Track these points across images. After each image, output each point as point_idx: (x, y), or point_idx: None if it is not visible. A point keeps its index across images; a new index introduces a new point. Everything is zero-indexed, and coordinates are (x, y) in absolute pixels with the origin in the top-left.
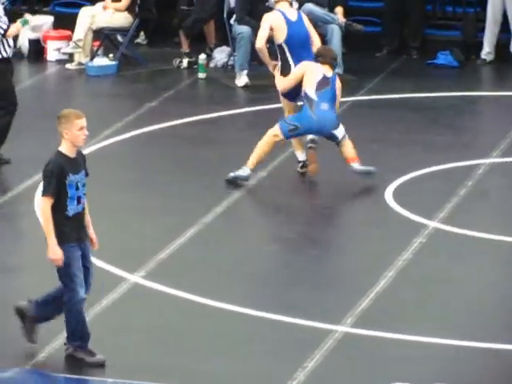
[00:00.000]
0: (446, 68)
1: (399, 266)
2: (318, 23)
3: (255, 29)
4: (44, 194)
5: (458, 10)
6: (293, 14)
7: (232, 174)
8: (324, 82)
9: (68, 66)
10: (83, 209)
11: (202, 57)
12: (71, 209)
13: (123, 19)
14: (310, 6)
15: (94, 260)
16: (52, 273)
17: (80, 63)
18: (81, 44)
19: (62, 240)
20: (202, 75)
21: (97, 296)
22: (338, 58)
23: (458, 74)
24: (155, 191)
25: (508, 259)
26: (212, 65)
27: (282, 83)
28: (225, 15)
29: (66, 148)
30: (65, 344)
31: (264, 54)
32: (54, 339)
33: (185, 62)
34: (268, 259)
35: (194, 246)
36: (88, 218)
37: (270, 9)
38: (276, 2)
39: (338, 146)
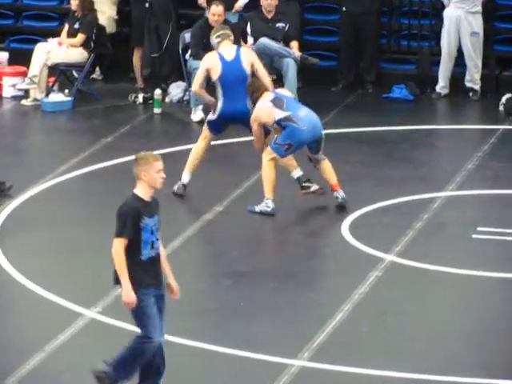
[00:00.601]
0: (402, 102)
1: (356, 299)
2: (273, 57)
3: None
4: (117, 235)
5: (413, 44)
6: (230, 54)
7: (256, 209)
8: (278, 101)
9: (23, 102)
10: (157, 254)
11: (158, 92)
12: (145, 253)
13: (78, 55)
14: (264, 40)
15: (49, 295)
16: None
17: (35, 99)
18: (36, 80)
19: (135, 284)
20: (157, 110)
21: (53, 331)
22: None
23: (413, 107)
24: (111, 227)
25: (464, 292)
26: (167, 100)
27: (259, 146)
28: (180, 50)
29: (141, 191)
30: (105, 363)
31: (202, 96)
32: (15, 371)
33: (140, 97)
34: (224, 293)
35: None
36: (166, 265)
37: None
38: (219, 43)
39: (316, 164)
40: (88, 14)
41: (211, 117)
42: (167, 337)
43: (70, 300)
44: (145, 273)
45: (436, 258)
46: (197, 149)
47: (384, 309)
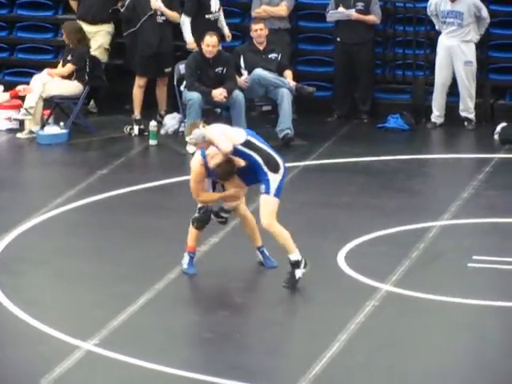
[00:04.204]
0: (397, 131)
1: (352, 329)
2: (268, 88)
3: (205, 95)
4: None
5: (408, 74)
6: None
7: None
8: None
9: (19, 135)
10: None
11: (153, 124)
12: None
13: (74, 87)
14: (259, 71)
15: (45, 328)
16: None
17: (31, 132)
18: (32, 111)
19: None
20: (152, 142)
21: (50, 364)
22: None
23: (409, 137)
24: (107, 259)
25: (460, 321)
26: (163, 132)
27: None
28: (175, 82)
29: None
30: None
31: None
32: None
33: (135, 129)
34: (221, 324)
35: (147, 312)
36: None
37: (219, 75)
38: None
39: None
40: (79, 45)
41: (277, 180)
42: (161, 368)
43: (66, 332)
44: None
45: (432, 287)
46: (283, 228)
47: (380, 338)
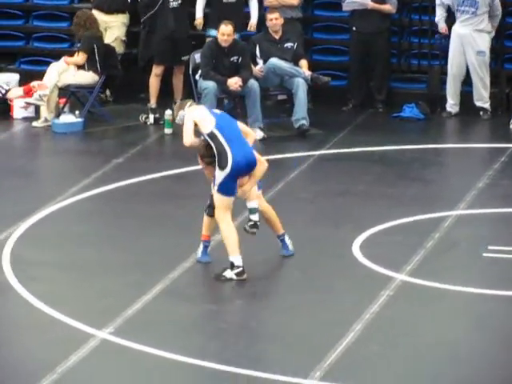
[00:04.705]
0: (412, 121)
1: (367, 318)
2: (283, 77)
3: (221, 83)
4: None
5: (423, 63)
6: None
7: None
8: None
9: (34, 123)
10: None
11: (168, 112)
12: None
13: (89, 76)
14: (275, 60)
15: (61, 316)
16: None
17: (46, 120)
18: (45, 99)
19: None
20: (168, 131)
21: (65, 353)
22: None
23: (424, 126)
24: (121, 247)
25: (475, 311)
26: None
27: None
28: (190, 71)
29: None
30: None
31: (194, 145)
32: None
33: (151, 117)
34: (235, 314)
35: (161, 301)
36: None
37: (235, 64)
38: (190, 105)
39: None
40: (86, 32)
41: (221, 176)
42: (176, 356)
43: (81, 321)
44: None
45: (447, 276)
46: (230, 227)
47: (395, 328)
